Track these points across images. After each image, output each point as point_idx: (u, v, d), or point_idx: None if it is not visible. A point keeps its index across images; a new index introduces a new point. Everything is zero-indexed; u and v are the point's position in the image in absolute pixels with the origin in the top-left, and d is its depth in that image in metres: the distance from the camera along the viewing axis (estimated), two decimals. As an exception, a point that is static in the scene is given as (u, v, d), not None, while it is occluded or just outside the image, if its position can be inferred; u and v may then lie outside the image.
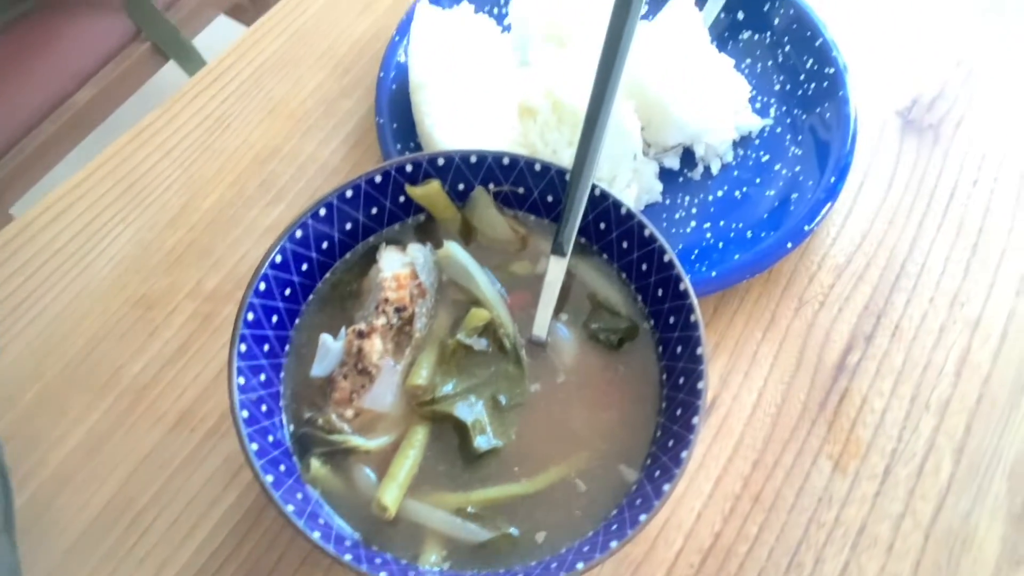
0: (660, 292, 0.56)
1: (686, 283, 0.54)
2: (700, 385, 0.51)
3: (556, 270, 0.57)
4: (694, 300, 0.53)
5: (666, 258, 0.55)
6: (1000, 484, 0.62)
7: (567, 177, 0.58)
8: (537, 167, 0.59)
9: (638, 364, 0.57)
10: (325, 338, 0.55)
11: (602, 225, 0.59)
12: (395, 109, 0.74)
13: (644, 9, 0.78)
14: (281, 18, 0.85)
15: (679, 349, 0.54)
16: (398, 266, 0.58)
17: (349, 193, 0.58)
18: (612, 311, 0.58)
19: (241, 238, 0.73)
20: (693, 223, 0.72)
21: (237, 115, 0.79)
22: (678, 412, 0.52)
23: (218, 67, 0.81)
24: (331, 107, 0.79)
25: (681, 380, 0.53)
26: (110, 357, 0.68)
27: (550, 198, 0.60)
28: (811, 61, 0.77)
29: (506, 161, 0.60)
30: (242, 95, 0.80)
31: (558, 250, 0.57)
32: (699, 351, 0.52)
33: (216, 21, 1.69)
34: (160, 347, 0.68)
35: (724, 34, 0.81)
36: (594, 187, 0.58)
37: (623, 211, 0.57)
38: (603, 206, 0.58)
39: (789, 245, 0.67)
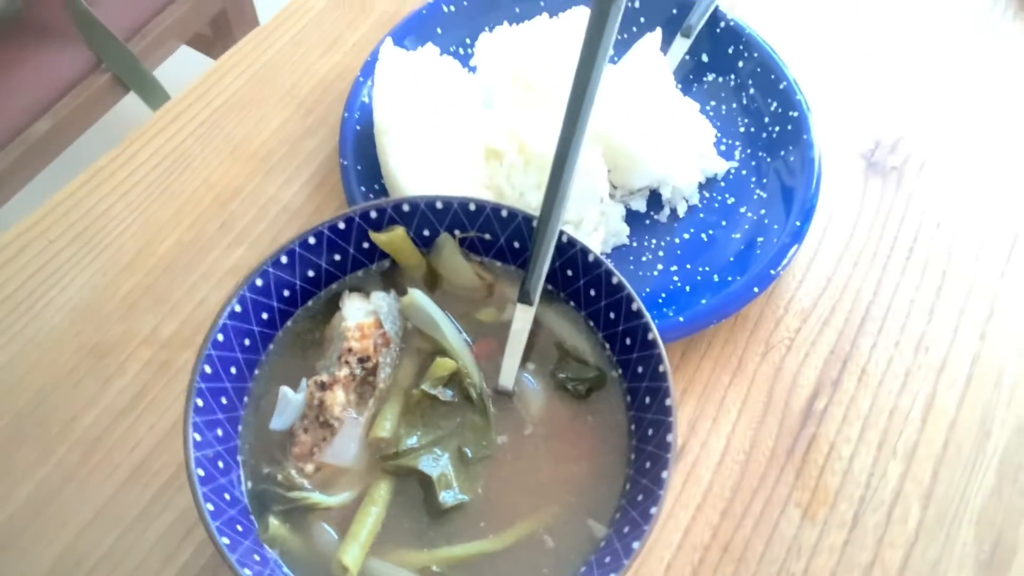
0: (628, 341, 0.55)
1: (654, 333, 0.53)
2: (669, 438, 0.50)
3: (523, 319, 0.56)
4: (663, 350, 0.53)
5: (634, 306, 0.55)
6: (968, 531, 0.62)
7: (534, 224, 0.57)
8: (504, 213, 0.58)
9: (607, 414, 0.56)
10: (285, 390, 0.54)
11: (569, 272, 0.58)
12: (360, 151, 0.73)
13: (611, 53, 0.79)
14: (243, 56, 0.84)
15: (648, 400, 0.53)
16: (362, 315, 0.57)
17: (312, 240, 0.57)
18: (580, 360, 0.57)
19: (199, 282, 0.71)
20: (660, 266, 0.72)
21: (197, 155, 0.77)
22: (647, 465, 0.51)
23: (177, 106, 0.80)
24: (294, 147, 0.78)
25: (650, 431, 0.52)
26: (61, 408, 0.65)
27: (517, 244, 0.60)
28: (775, 104, 0.77)
29: (472, 207, 0.59)
30: (202, 135, 0.78)
31: (524, 298, 0.56)
32: (668, 402, 0.51)
33: (178, 52, 1.67)
34: (114, 397, 0.66)
35: (689, 76, 0.81)
36: (561, 234, 0.57)
37: (590, 258, 0.56)
38: (570, 253, 0.57)
39: (756, 289, 0.67)
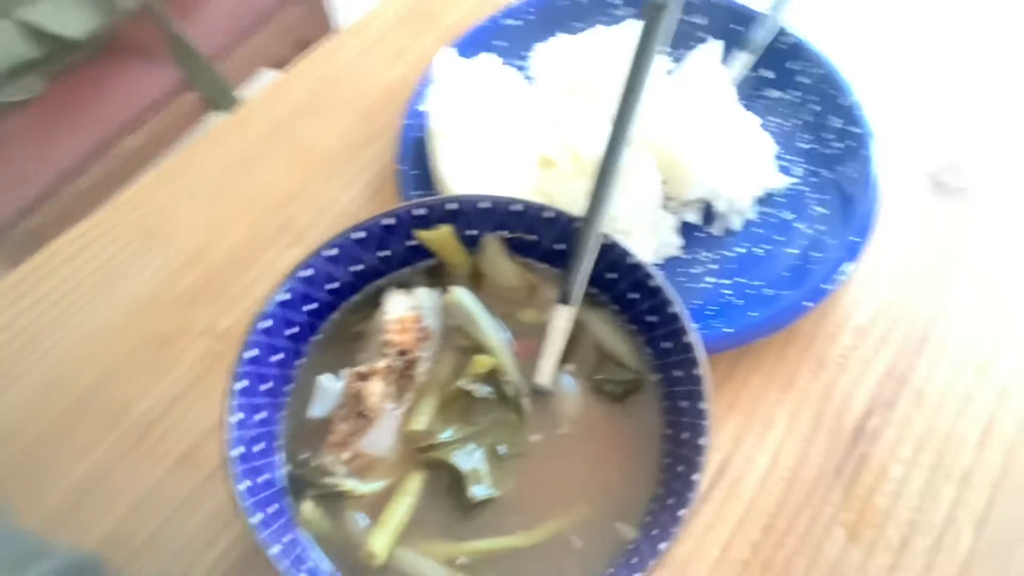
0: (667, 344, 0.55)
1: (691, 335, 0.53)
2: (702, 441, 0.49)
3: (562, 318, 0.56)
4: (698, 352, 0.52)
5: (672, 309, 0.54)
6: (1022, 560, 0.59)
7: (577, 225, 0.58)
8: (548, 214, 0.59)
9: (642, 418, 0.55)
10: (322, 379, 0.55)
11: (611, 275, 0.58)
12: (416, 156, 0.74)
13: (670, 66, 0.79)
14: (311, 65, 0.87)
15: (684, 404, 0.53)
16: (404, 309, 0.58)
17: (361, 235, 0.58)
18: (618, 363, 0.57)
19: (257, 280, 0.73)
20: (712, 279, 0.71)
21: (261, 158, 0.80)
22: (679, 468, 0.51)
23: (246, 110, 0.83)
24: (355, 153, 0.80)
25: (684, 435, 0.52)
26: (119, 393, 0.68)
27: (561, 246, 0.60)
28: (838, 122, 0.76)
29: (517, 208, 0.59)
30: (268, 138, 0.81)
31: (564, 298, 0.56)
32: (702, 405, 0.51)
33: (262, 74, 1.73)
34: (169, 384, 0.68)
35: (751, 91, 0.81)
36: (605, 236, 0.57)
37: (632, 260, 0.56)
38: (612, 255, 0.57)
39: (807, 304, 0.65)
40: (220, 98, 1.62)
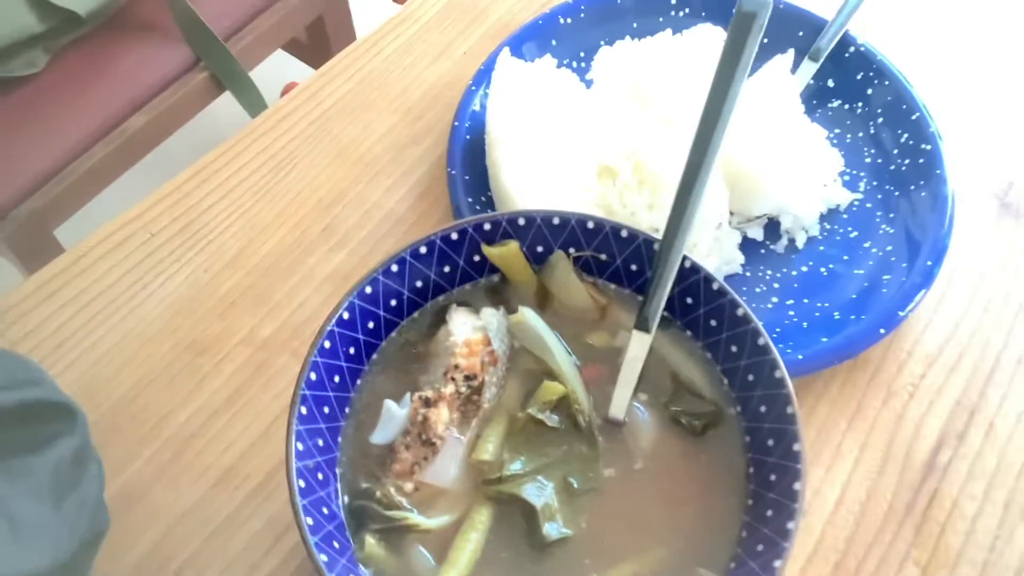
0: (751, 377, 0.52)
1: (783, 371, 0.50)
2: (796, 486, 0.47)
3: (639, 347, 0.53)
4: (791, 390, 0.49)
5: (761, 341, 0.51)
6: (1106, 608, 0.57)
7: (655, 247, 0.55)
8: (623, 234, 0.56)
9: (722, 454, 0.52)
10: (389, 404, 0.52)
11: (689, 300, 0.55)
12: (468, 160, 0.71)
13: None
14: (352, 61, 0.83)
15: (770, 442, 0.50)
16: (470, 331, 0.55)
17: (423, 249, 0.55)
18: (695, 393, 0.54)
19: (299, 285, 0.70)
20: (775, 299, 0.68)
21: (302, 157, 0.76)
22: (768, 513, 0.48)
23: (286, 107, 0.79)
24: (400, 154, 0.77)
25: (772, 477, 0.49)
26: (156, 403, 0.64)
27: (634, 267, 0.57)
28: (905, 136, 0.73)
29: (590, 225, 0.56)
30: (309, 137, 0.77)
31: (642, 326, 0.53)
32: (796, 447, 0.48)
33: (274, 55, 1.69)
34: (208, 396, 0.65)
35: (813, 101, 0.78)
36: (684, 259, 0.54)
37: (714, 286, 0.53)
38: (692, 279, 0.54)
39: (882, 331, 0.63)
40: (231, 78, 1.57)
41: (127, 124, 1.48)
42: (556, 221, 0.56)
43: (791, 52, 0.73)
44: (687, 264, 0.54)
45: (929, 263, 0.65)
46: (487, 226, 0.56)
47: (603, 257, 0.57)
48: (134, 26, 1.51)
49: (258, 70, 1.61)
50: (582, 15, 0.80)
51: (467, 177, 0.70)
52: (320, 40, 1.82)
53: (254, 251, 0.71)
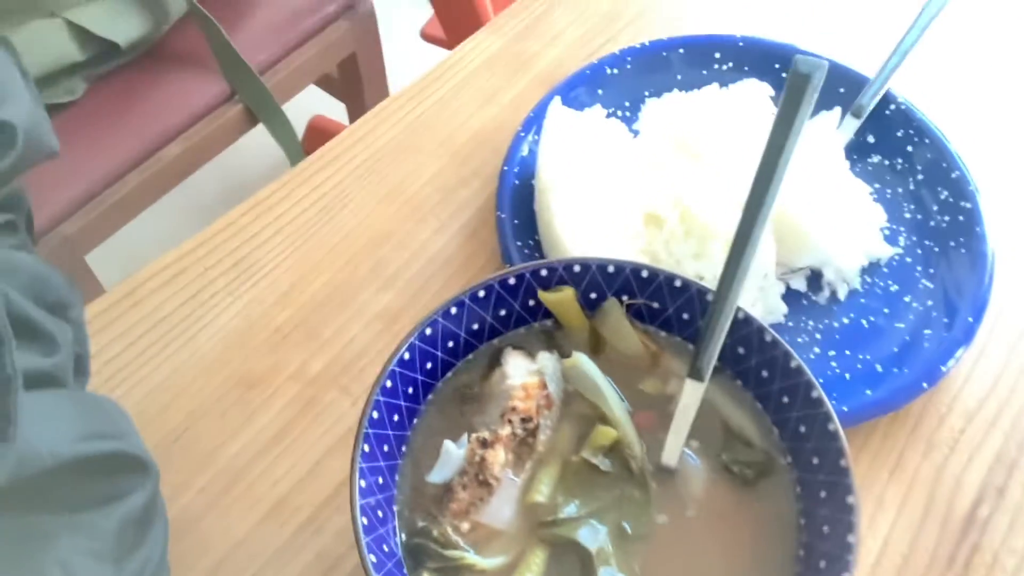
0: (803, 428, 0.53)
1: (836, 423, 0.51)
2: (850, 539, 0.47)
3: (692, 395, 0.54)
4: (844, 443, 0.50)
5: (814, 394, 0.52)
6: None
7: (708, 297, 0.56)
8: (677, 283, 0.57)
9: (774, 504, 0.53)
10: (448, 444, 0.53)
11: (741, 350, 0.56)
12: (516, 204, 0.73)
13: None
14: (400, 105, 0.85)
15: (823, 493, 0.51)
16: (526, 374, 0.56)
17: (482, 293, 0.57)
18: (746, 442, 0.55)
19: (349, 322, 0.71)
20: (817, 349, 0.69)
21: (353, 197, 0.78)
22: (821, 565, 0.49)
23: (336, 148, 0.81)
24: (448, 196, 0.78)
25: (825, 529, 0.50)
26: (207, 436, 0.66)
27: (686, 316, 0.58)
28: (945, 193, 0.74)
29: (644, 274, 0.57)
30: (359, 178, 0.79)
31: (696, 375, 0.54)
32: (850, 500, 0.49)
33: (307, 90, 1.72)
34: (259, 430, 0.66)
35: (854, 156, 0.79)
36: (737, 310, 0.55)
37: (767, 338, 0.55)
38: (745, 331, 0.55)
39: (924, 385, 0.64)
40: (265, 111, 1.60)
41: (162, 153, 1.51)
42: (611, 269, 0.58)
43: (837, 109, 0.75)
44: (740, 315, 0.55)
45: (970, 319, 0.67)
46: (544, 272, 0.58)
47: (655, 306, 0.59)
48: (172, 57, 1.55)
49: (290, 104, 1.64)
50: (628, 66, 0.82)
51: (516, 221, 0.72)
52: (351, 76, 1.85)
53: (305, 287, 0.73)
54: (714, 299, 0.55)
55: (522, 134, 0.76)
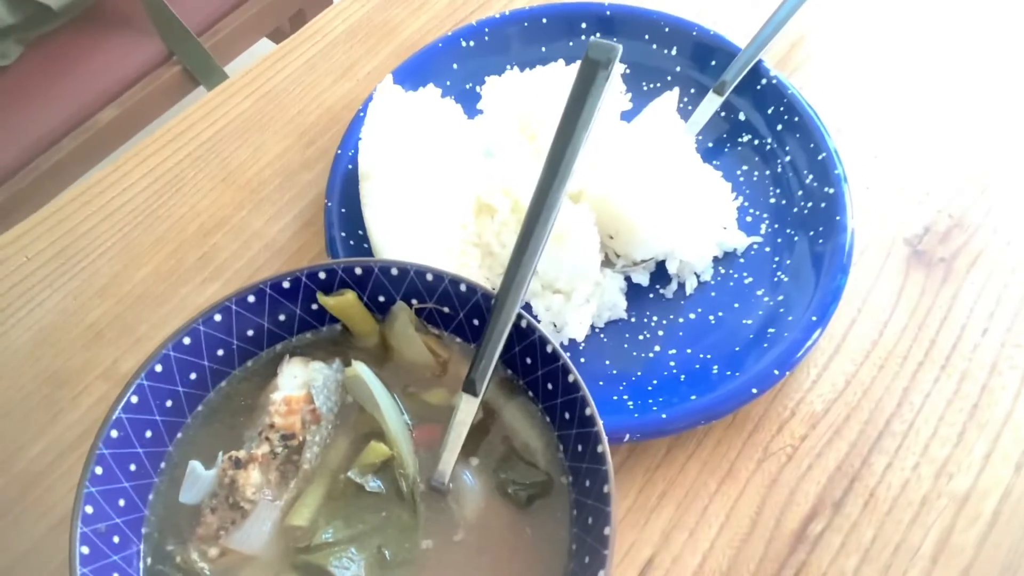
0: (580, 447, 0.49)
1: (604, 445, 0.47)
2: (602, 574, 0.44)
3: (466, 410, 0.50)
4: (610, 468, 0.46)
5: (587, 412, 0.48)
6: None
7: (493, 303, 0.52)
8: (462, 287, 0.53)
9: (547, 528, 0.49)
10: (194, 464, 0.49)
11: (529, 360, 0.52)
12: (347, 192, 0.68)
13: (626, 106, 0.72)
14: (254, 77, 0.80)
15: (590, 520, 0.47)
16: (293, 387, 0.52)
17: (251, 298, 0.53)
18: (528, 460, 0.51)
19: (168, 317, 0.68)
20: (657, 347, 0.65)
21: (189, 180, 0.74)
22: (582, 594, 0.45)
23: (178, 126, 0.77)
24: (288, 180, 0.74)
25: (587, 559, 0.46)
26: (9, 436, 0.63)
27: (476, 322, 0.54)
28: (811, 177, 0.69)
29: (430, 277, 0.53)
30: (197, 159, 0.75)
31: (469, 388, 0.50)
32: (606, 531, 0.45)
33: (258, 45, 1.66)
34: (62, 431, 0.63)
35: (723, 135, 0.74)
36: (520, 317, 0.51)
37: (548, 349, 0.50)
38: (529, 340, 0.51)
39: (754, 391, 0.59)
40: (205, 72, 1.55)
41: (97, 118, 1.47)
42: (395, 271, 0.54)
43: (676, 91, 0.70)
44: (523, 324, 0.51)
45: (814, 318, 0.62)
46: (322, 275, 0.54)
47: (445, 310, 0.55)
48: (107, 20, 1.50)
49: (239, 60, 1.59)
50: (486, 38, 0.76)
51: (344, 210, 0.67)
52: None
53: (127, 278, 0.69)
54: (493, 306, 0.51)
55: (362, 114, 0.72)
